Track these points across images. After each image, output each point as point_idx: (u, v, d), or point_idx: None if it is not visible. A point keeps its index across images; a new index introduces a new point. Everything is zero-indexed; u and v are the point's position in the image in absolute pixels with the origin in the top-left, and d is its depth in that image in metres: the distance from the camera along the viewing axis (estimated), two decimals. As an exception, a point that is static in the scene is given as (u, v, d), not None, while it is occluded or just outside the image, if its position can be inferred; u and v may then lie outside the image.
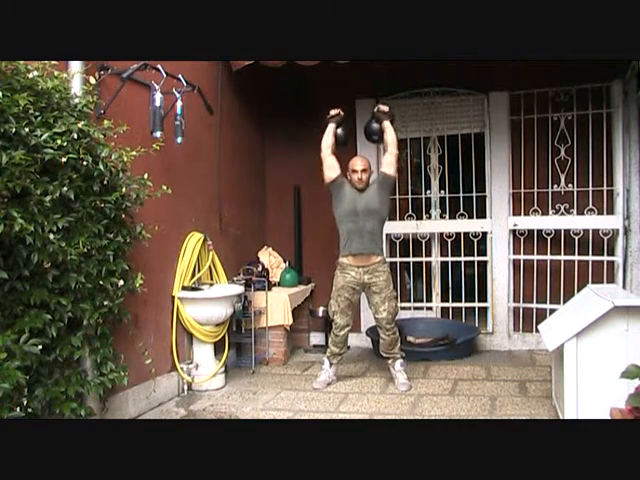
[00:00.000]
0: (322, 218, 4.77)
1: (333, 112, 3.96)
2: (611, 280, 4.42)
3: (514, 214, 4.77)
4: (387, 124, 3.89)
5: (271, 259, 5.02)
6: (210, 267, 4.05)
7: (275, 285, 4.88)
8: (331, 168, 3.85)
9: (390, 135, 3.87)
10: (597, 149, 4.48)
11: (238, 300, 4.15)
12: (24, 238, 2.14)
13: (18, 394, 2.14)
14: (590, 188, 4.53)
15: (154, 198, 2.91)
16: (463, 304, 4.98)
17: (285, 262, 5.08)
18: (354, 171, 3.82)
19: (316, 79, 4.70)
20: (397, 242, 5.08)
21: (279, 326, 4.49)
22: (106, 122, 2.67)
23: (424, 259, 5.08)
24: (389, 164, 3.84)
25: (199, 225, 4.00)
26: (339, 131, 3.97)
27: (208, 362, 3.86)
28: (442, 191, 5.02)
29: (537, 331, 3.86)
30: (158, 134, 3.07)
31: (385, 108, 3.96)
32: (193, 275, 3.82)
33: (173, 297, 3.68)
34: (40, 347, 2.14)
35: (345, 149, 4.15)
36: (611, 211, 4.49)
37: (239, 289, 4.04)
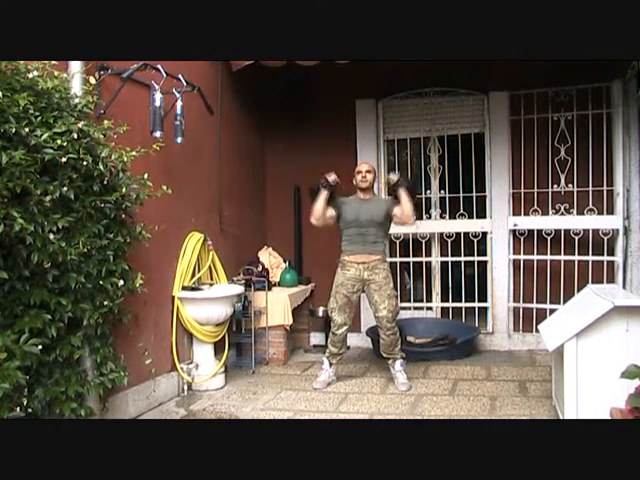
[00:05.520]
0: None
1: (331, 178, 3.76)
2: (611, 280, 4.42)
3: (514, 214, 4.78)
4: (401, 194, 3.74)
5: (271, 259, 5.02)
6: (210, 267, 4.05)
7: (275, 285, 4.88)
8: (330, 218, 3.84)
9: (405, 207, 3.72)
10: (597, 149, 4.48)
11: (238, 300, 4.15)
12: (24, 238, 2.14)
13: (18, 394, 2.14)
14: (590, 188, 4.53)
15: (154, 198, 2.91)
16: (463, 304, 4.98)
17: (285, 262, 5.08)
18: (359, 172, 3.86)
19: (316, 79, 4.70)
20: (397, 242, 5.08)
21: (279, 326, 4.49)
22: (106, 122, 2.67)
23: (424, 259, 5.09)
24: (397, 220, 3.81)
25: (199, 225, 4.00)
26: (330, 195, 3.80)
27: (208, 362, 3.86)
28: (442, 191, 5.02)
29: (537, 331, 3.86)
30: (158, 134, 3.07)
31: (394, 177, 3.80)
32: (193, 275, 3.82)
33: (173, 297, 3.68)
34: (40, 347, 2.14)
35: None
36: (611, 211, 4.49)
37: (239, 289, 4.04)
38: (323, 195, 3.78)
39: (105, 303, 2.63)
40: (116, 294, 2.70)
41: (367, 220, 3.79)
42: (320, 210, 3.78)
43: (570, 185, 4.60)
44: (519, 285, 4.79)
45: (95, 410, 2.68)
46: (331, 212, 3.84)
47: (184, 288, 3.71)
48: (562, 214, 4.62)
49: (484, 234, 4.87)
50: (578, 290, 3.61)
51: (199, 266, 3.91)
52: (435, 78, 4.78)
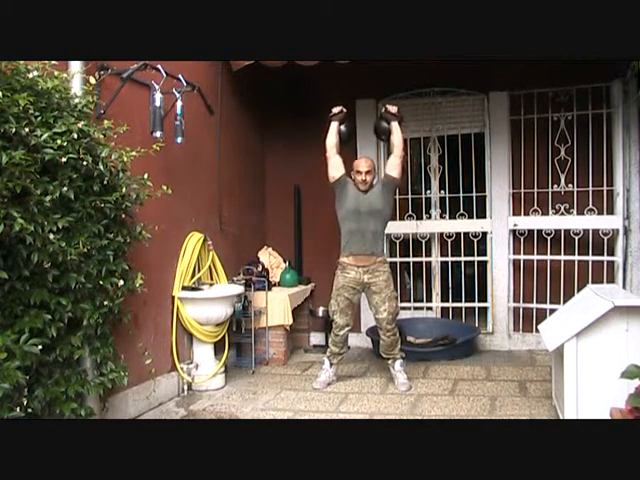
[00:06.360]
0: (322, 218, 4.77)
1: (335, 110, 3.92)
2: (611, 280, 4.42)
3: (514, 214, 4.78)
4: (395, 125, 3.86)
5: (271, 259, 5.03)
6: (210, 267, 4.05)
7: (275, 285, 4.88)
8: (335, 167, 3.84)
9: (397, 137, 3.84)
10: (597, 149, 4.48)
11: (238, 300, 4.15)
12: (24, 238, 2.13)
13: (18, 394, 2.14)
14: (590, 188, 4.54)
15: (154, 198, 2.91)
16: (463, 304, 4.98)
17: (285, 262, 5.08)
18: (358, 172, 3.81)
19: (316, 79, 4.70)
20: (397, 242, 5.09)
21: (279, 326, 4.49)
22: (106, 122, 2.67)
23: (424, 259, 5.09)
24: (394, 166, 3.84)
25: (199, 225, 4.00)
26: (342, 128, 3.93)
27: (208, 362, 3.86)
28: (442, 191, 5.02)
29: (537, 331, 3.86)
30: (158, 134, 3.07)
31: (393, 109, 3.90)
32: (193, 275, 3.82)
33: (173, 297, 3.68)
34: (40, 347, 2.13)
35: (347, 147, 4.14)
36: (611, 211, 4.49)
37: (239, 289, 4.04)
38: (332, 127, 3.89)
39: (105, 303, 2.63)
40: (116, 294, 2.70)
41: (367, 211, 3.77)
42: (330, 141, 3.87)
43: (570, 185, 4.60)
44: (519, 285, 4.79)
45: (95, 410, 2.68)
46: (340, 165, 3.85)
47: (184, 288, 3.71)
48: (562, 214, 4.61)
49: (484, 234, 4.87)
50: (578, 290, 3.61)
51: (199, 266, 3.91)
52: (435, 78, 4.78)
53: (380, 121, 4.02)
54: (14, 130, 2.11)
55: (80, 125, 2.41)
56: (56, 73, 2.45)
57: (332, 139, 3.87)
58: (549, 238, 4.64)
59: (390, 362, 3.88)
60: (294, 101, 5.15)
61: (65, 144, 2.32)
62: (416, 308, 5.10)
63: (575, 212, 4.58)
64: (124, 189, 2.69)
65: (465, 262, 5.03)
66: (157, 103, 3.07)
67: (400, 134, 3.86)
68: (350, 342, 4.27)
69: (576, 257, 4.55)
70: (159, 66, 3.11)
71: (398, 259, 5.11)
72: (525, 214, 4.73)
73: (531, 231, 4.72)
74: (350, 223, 3.80)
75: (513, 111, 4.72)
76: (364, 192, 3.81)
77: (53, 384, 2.43)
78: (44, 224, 2.22)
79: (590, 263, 4.50)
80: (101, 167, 2.52)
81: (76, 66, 2.71)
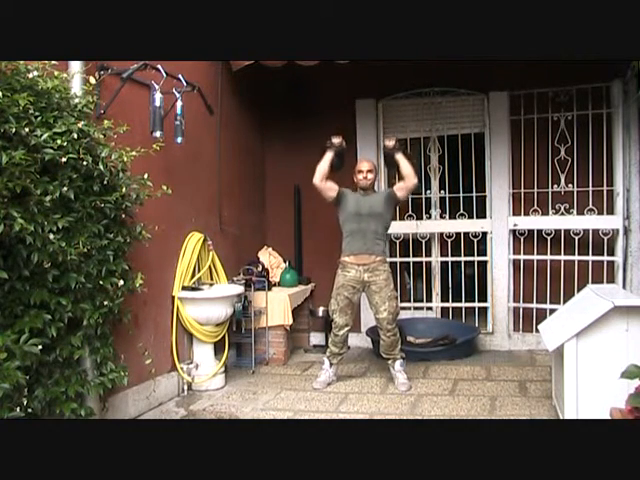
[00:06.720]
0: (322, 218, 4.77)
1: (335, 140, 3.86)
2: (611, 280, 4.42)
3: (514, 214, 4.78)
4: (399, 157, 3.81)
5: (271, 259, 5.03)
6: (210, 267, 4.05)
7: (275, 285, 4.88)
8: (330, 189, 3.84)
9: (404, 168, 3.78)
10: (597, 149, 4.49)
11: (238, 300, 4.15)
12: (24, 238, 2.13)
13: (18, 394, 2.13)
14: (590, 188, 4.54)
15: (154, 198, 2.90)
16: (463, 304, 4.98)
17: (285, 262, 5.08)
18: (360, 171, 3.85)
19: (316, 79, 4.70)
20: (397, 242, 5.09)
21: (279, 326, 4.49)
22: (106, 122, 2.67)
23: (424, 259, 5.09)
24: (402, 189, 3.84)
25: (199, 225, 4.00)
26: (336, 159, 3.87)
27: (208, 362, 3.86)
28: (442, 191, 5.02)
29: (537, 331, 3.86)
30: (158, 134, 3.07)
31: (390, 143, 3.85)
32: (193, 275, 3.82)
33: (173, 297, 3.68)
34: (40, 347, 2.13)
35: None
36: (611, 211, 4.49)
37: (239, 289, 4.04)
38: (327, 156, 3.84)
39: (105, 303, 2.62)
40: (116, 294, 2.70)
41: (367, 213, 3.78)
42: (322, 170, 3.81)
43: (570, 185, 4.60)
44: (519, 285, 4.79)
45: (95, 410, 2.68)
46: (332, 184, 3.84)
47: (184, 288, 3.71)
48: (562, 214, 4.62)
49: (484, 234, 4.87)
50: (578, 290, 3.61)
51: (199, 266, 3.91)
52: (435, 78, 4.78)
53: (386, 156, 4.01)
54: (14, 130, 2.11)
55: (80, 125, 2.41)
56: (56, 73, 2.45)
57: (325, 168, 3.82)
58: (549, 238, 4.64)
59: (390, 362, 3.89)
60: (294, 101, 5.15)
61: (65, 144, 2.31)
62: (416, 308, 5.10)
63: (575, 212, 4.58)
64: (124, 189, 2.69)
65: (465, 262, 5.03)
66: (157, 103, 3.07)
67: (407, 164, 3.80)
68: (350, 342, 4.27)
69: (576, 257, 4.55)
70: (159, 66, 3.11)
71: (398, 259, 5.11)
72: (525, 214, 4.73)
73: (531, 231, 4.72)
74: (351, 224, 3.82)
75: (513, 111, 4.72)
76: (364, 192, 3.83)
77: (53, 384, 2.43)
78: (44, 224, 2.22)
79: (590, 263, 4.50)
80: (101, 167, 2.52)
81: (76, 66, 2.71)
